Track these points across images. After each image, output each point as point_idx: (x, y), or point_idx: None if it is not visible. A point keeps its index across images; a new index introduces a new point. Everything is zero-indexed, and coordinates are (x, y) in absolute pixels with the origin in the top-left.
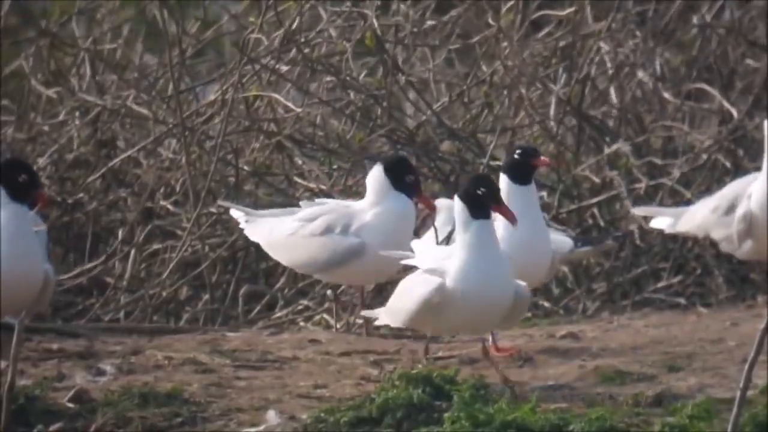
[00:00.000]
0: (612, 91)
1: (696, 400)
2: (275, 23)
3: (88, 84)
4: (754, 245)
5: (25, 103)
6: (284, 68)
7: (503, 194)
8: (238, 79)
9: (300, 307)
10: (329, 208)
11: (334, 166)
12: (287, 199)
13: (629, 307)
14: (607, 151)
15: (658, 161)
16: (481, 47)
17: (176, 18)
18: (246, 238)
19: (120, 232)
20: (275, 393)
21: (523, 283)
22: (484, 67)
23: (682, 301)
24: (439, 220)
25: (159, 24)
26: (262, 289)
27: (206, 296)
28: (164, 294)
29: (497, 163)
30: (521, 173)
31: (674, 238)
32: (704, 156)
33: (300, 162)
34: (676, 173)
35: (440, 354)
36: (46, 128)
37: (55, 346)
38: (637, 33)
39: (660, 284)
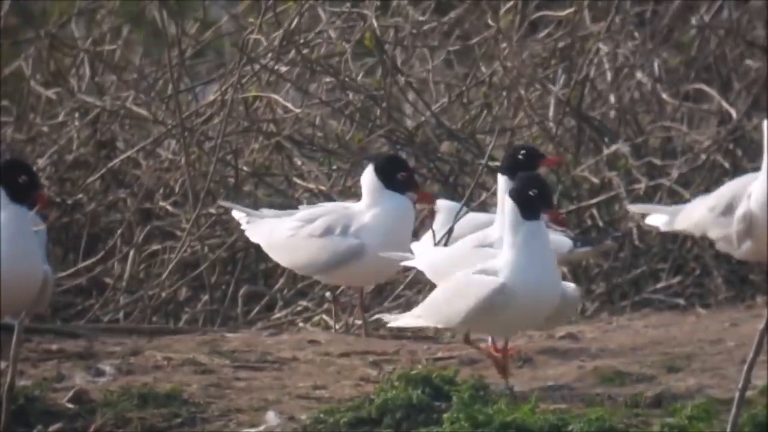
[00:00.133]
0: (611, 91)
1: (695, 400)
2: (275, 24)
3: (88, 85)
4: (754, 246)
5: (24, 104)
6: (284, 69)
7: (502, 195)
8: (238, 80)
9: (299, 308)
10: (329, 209)
11: (334, 167)
12: (287, 200)
13: (628, 307)
14: (606, 151)
15: (657, 162)
16: (481, 48)
17: (176, 18)
18: (245, 239)
19: (119, 233)
20: (274, 394)
21: (572, 285)
22: (483, 68)
23: (681, 301)
24: (438, 221)
25: (159, 25)
26: (262, 289)
27: (205, 297)
28: (163, 295)
29: (496, 163)
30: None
31: (674, 238)
32: (703, 156)
33: (299, 163)
34: (675, 174)
35: (440, 355)
36: (45, 129)
37: (54, 347)
38: (636, 34)
39: (659, 285)
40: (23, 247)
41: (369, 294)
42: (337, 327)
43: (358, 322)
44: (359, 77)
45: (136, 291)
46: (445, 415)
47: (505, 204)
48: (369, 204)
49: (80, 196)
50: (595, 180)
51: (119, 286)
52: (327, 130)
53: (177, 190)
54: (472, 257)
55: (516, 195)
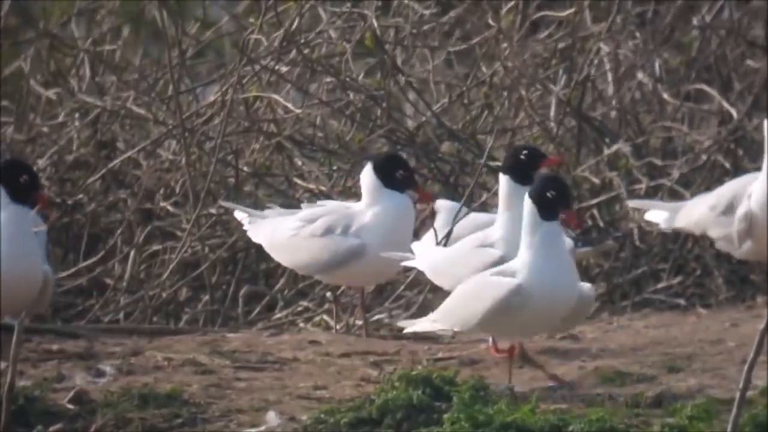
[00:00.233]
0: (611, 92)
1: (696, 400)
2: (275, 24)
3: (88, 85)
4: (754, 246)
5: (24, 104)
6: (284, 69)
7: (503, 194)
8: (238, 80)
9: (300, 308)
10: (329, 209)
11: (334, 167)
12: (287, 200)
13: (629, 307)
14: (606, 151)
15: (658, 162)
16: (481, 48)
17: (176, 19)
18: (246, 239)
19: (119, 233)
20: (275, 394)
21: (587, 285)
22: (484, 68)
23: (681, 301)
24: (439, 221)
25: (159, 25)
26: (262, 290)
27: (206, 297)
28: (164, 295)
29: (497, 163)
30: (524, 174)
31: (674, 238)
32: (704, 157)
33: (300, 163)
34: (675, 174)
35: (440, 355)
36: (45, 129)
37: (54, 347)
38: (637, 34)
39: (660, 285)
40: (23, 248)
41: (370, 294)
42: (337, 327)
43: (359, 322)
44: (360, 77)
45: (136, 291)
46: (446, 416)
47: (524, 205)
48: (369, 203)
49: (80, 196)
50: (596, 180)
51: (120, 286)
52: (327, 130)
53: (177, 190)
54: (472, 257)
55: (535, 195)
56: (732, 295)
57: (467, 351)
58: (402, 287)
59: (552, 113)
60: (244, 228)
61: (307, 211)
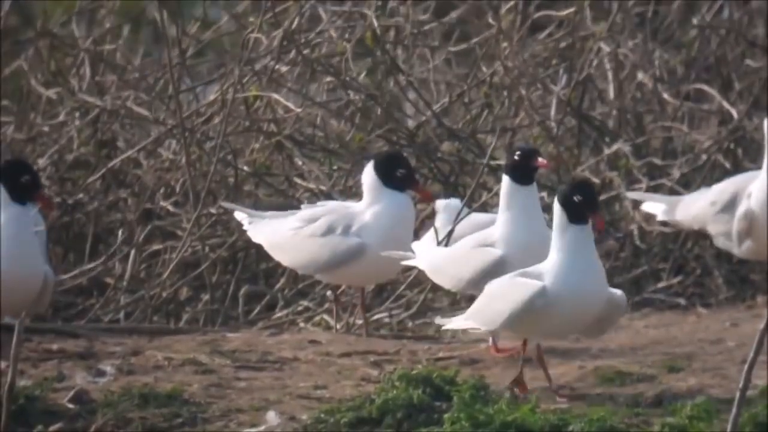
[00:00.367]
0: (611, 91)
1: (696, 400)
2: (275, 23)
3: (88, 84)
4: (754, 245)
5: (24, 104)
6: (284, 69)
7: (504, 194)
8: (238, 80)
9: (300, 308)
10: (330, 208)
11: (334, 167)
12: (287, 200)
13: (629, 307)
14: (607, 151)
15: (658, 162)
16: (481, 48)
17: (176, 19)
18: (246, 239)
19: (120, 233)
20: (275, 394)
21: (618, 291)
22: (484, 68)
23: (681, 301)
24: (439, 220)
25: (159, 25)
26: (263, 289)
27: (206, 297)
28: (164, 294)
29: (497, 163)
30: (522, 174)
31: (674, 238)
32: (704, 156)
33: (300, 162)
34: (675, 174)
35: (440, 355)
36: (46, 129)
37: (55, 347)
38: (637, 34)
39: (660, 285)
40: (23, 248)
41: (370, 294)
42: (338, 327)
43: (359, 321)
44: (360, 77)
45: (136, 291)
46: (446, 415)
47: (554, 207)
48: (369, 202)
49: (81, 195)
50: (596, 180)
51: (120, 285)
52: (328, 129)
53: (178, 189)
54: (472, 257)
55: (563, 199)
56: (732, 294)
57: (467, 351)
58: (402, 287)
59: (552, 113)
60: (244, 228)
61: (307, 210)
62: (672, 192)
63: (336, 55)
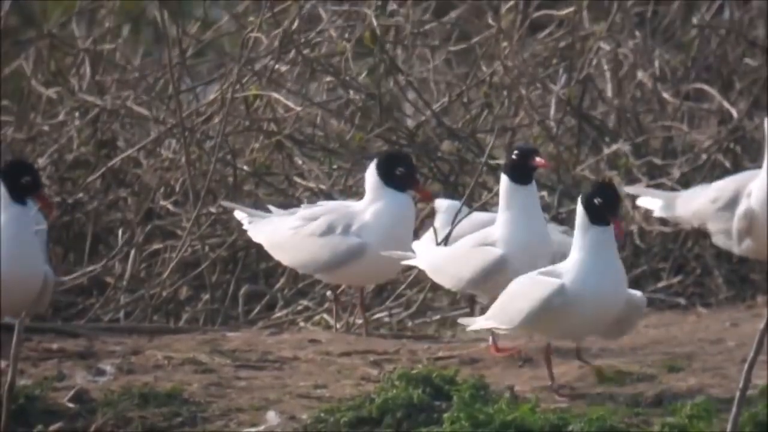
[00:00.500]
0: (611, 91)
1: (696, 400)
2: (274, 23)
3: (88, 84)
4: (753, 244)
5: (25, 104)
6: (284, 68)
7: (503, 194)
8: (238, 79)
9: (300, 308)
10: (330, 207)
11: (334, 166)
12: (287, 199)
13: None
14: (606, 151)
15: (658, 161)
16: (481, 47)
17: (176, 18)
18: (246, 238)
19: (120, 232)
20: (275, 393)
21: (638, 293)
22: (483, 67)
23: (681, 301)
24: (439, 220)
25: (159, 25)
26: (262, 289)
27: (206, 296)
28: (164, 294)
29: (497, 162)
30: (521, 173)
31: (674, 238)
32: (704, 156)
33: (300, 162)
34: (675, 173)
35: (440, 354)
36: (46, 128)
37: (55, 346)
38: (637, 33)
39: (660, 284)
40: (24, 248)
41: (370, 293)
42: (337, 326)
43: (359, 321)
44: (360, 77)
45: (136, 290)
46: (446, 415)
47: (577, 208)
48: (369, 202)
49: (80, 195)
50: (596, 179)
51: (120, 285)
52: (327, 129)
53: (177, 189)
54: (473, 256)
55: (584, 201)
56: (732, 294)
57: (467, 350)
58: (402, 286)
59: (552, 112)
60: (244, 228)
61: (307, 210)
62: (672, 192)
63: (336, 54)
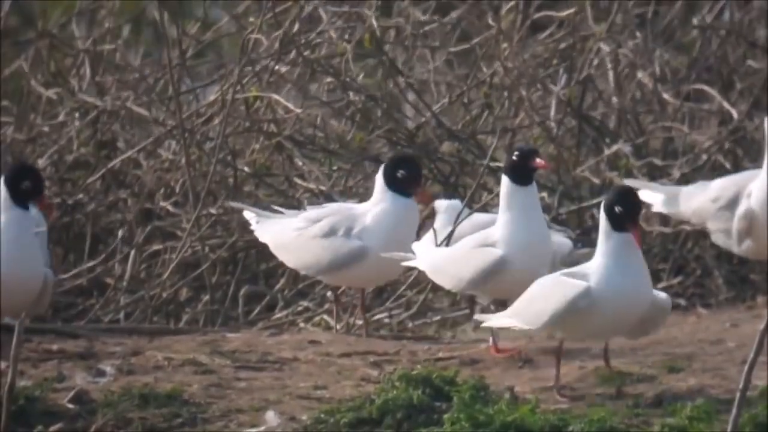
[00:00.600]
0: (612, 92)
1: (696, 400)
2: (275, 24)
3: (88, 85)
4: (753, 245)
5: (24, 104)
6: (284, 69)
7: (504, 195)
8: (238, 80)
9: (300, 308)
10: (333, 209)
11: (334, 167)
12: (288, 200)
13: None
14: (607, 151)
15: (658, 162)
16: (481, 48)
17: (176, 19)
18: (246, 239)
19: (120, 233)
20: (275, 394)
21: (663, 294)
22: (484, 68)
23: (682, 302)
24: (439, 221)
25: (159, 25)
26: (263, 290)
27: (206, 297)
28: (164, 295)
29: (497, 164)
30: (521, 174)
31: (674, 238)
32: (704, 157)
33: (300, 163)
34: (676, 174)
35: (440, 355)
36: (45, 129)
37: (55, 347)
38: (637, 34)
39: (660, 285)
40: (23, 250)
41: (370, 294)
42: (338, 327)
43: (359, 322)
44: (360, 77)
45: (136, 291)
46: (446, 416)
47: (600, 213)
48: (373, 204)
49: (80, 196)
50: (596, 180)
51: (120, 286)
52: (328, 130)
53: (177, 190)
54: (473, 257)
55: (606, 207)
56: (732, 295)
57: (467, 351)
58: (403, 287)
59: (552, 113)
60: (252, 228)
61: (312, 211)
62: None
63: (336, 55)
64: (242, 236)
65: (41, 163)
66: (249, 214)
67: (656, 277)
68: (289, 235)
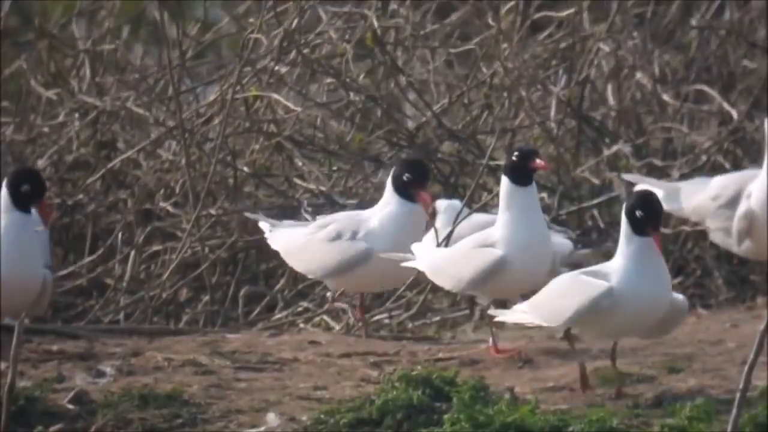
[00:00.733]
0: (611, 92)
1: (695, 401)
2: (275, 24)
3: (88, 85)
4: (753, 245)
5: (24, 104)
6: (284, 69)
7: (503, 195)
8: (238, 80)
9: (300, 309)
10: (342, 215)
11: (334, 168)
12: (287, 201)
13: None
14: (607, 152)
15: (658, 162)
16: (481, 49)
17: (176, 19)
18: (245, 240)
19: (120, 234)
20: (275, 394)
21: (680, 296)
22: (484, 69)
23: None
24: (439, 221)
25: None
26: (262, 290)
27: (206, 298)
28: (164, 295)
29: (497, 163)
30: (521, 175)
31: (674, 239)
32: (704, 157)
33: (300, 163)
34: (675, 174)
35: (440, 355)
36: (45, 129)
37: (55, 348)
38: (634, 34)
39: None
40: (23, 252)
41: (369, 295)
42: (337, 327)
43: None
44: (360, 77)
45: (136, 292)
46: (446, 416)
47: (622, 218)
48: (379, 208)
49: (80, 196)
50: (596, 181)
51: (120, 286)
52: (328, 130)
53: (177, 190)
54: (473, 257)
55: (627, 211)
56: (732, 295)
57: (467, 351)
58: (402, 288)
59: (552, 113)
60: (266, 236)
61: (324, 219)
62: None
63: (336, 56)
64: (242, 236)
65: (41, 163)
66: (264, 224)
67: None
68: (298, 241)
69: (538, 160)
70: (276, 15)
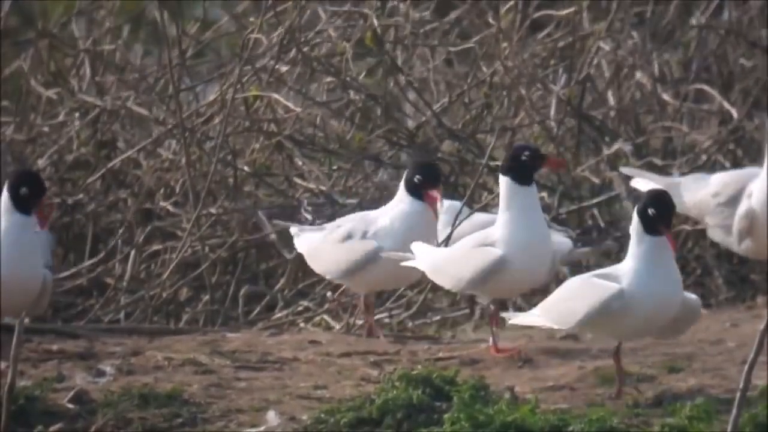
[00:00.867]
0: (611, 91)
1: (695, 400)
2: (275, 23)
3: (88, 85)
4: (753, 245)
5: (24, 104)
6: (284, 69)
7: (504, 195)
8: (238, 80)
9: (300, 308)
10: (355, 215)
11: (334, 167)
12: (287, 200)
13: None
14: (607, 151)
15: (658, 162)
16: (481, 47)
17: (176, 19)
18: (246, 239)
19: (120, 233)
20: (275, 394)
21: (693, 296)
22: (484, 68)
23: None
24: (439, 222)
25: (159, 25)
26: (263, 290)
27: (206, 297)
28: (164, 295)
29: (497, 163)
30: (523, 174)
31: (674, 239)
32: (704, 156)
33: (300, 163)
34: (675, 174)
35: (440, 355)
36: (45, 129)
37: (55, 347)
38: (633, 34)
39: None
40: (23, 252)
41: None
42: (338, 327)
43: (360, 322)
44: (360, 76)
45: (136, 291)
46: (446, 416)
47: (633, 217)
48: (390, 207)
49: (80, 196)
50: (596, 180)
51: (120, 286)
52: (328, 130)
53: (178, 190)
54: (473, 257)
55: (639, 211)
56: (732, 295)
57: (467, 351)
58: (403, 287)
59: (552, 112)
60: (293, 240)
61: (341, 220)
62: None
63: (336, 54)
64: (242, 236)
65: (41, 163)
66: (293, 229)
67: None
68: (316, 243)
69: (551, 158)
70: (276, 14)
